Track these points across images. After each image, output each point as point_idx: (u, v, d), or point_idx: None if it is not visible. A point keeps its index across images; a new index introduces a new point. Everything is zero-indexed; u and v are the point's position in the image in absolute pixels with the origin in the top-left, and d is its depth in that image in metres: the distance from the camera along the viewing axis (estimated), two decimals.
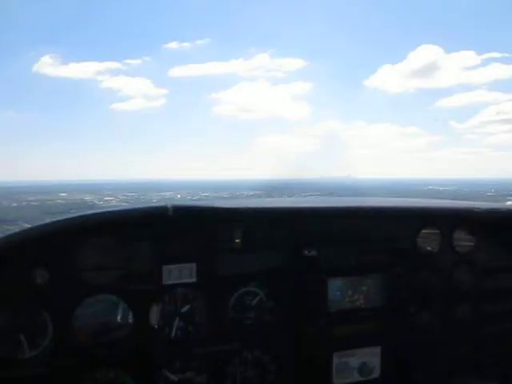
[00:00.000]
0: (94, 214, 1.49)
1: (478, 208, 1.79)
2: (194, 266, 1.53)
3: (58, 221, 1.45)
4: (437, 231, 1.79)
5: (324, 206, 1.72)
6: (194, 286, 1.55)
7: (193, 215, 1.55)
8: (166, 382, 1.53)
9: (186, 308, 1.55)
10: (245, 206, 1.60)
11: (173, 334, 1.54)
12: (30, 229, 1.42)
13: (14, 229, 1.48)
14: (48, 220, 1.48)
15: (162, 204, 1.50)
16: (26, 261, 1.40)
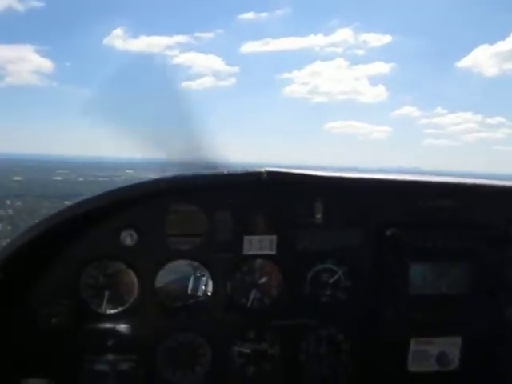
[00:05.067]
0: (184, 176, 1.49)
1: None
2: (274, 238, 1.52)
3: (148, 182, 1.45)
4: None
5: (415, 180, 1.59)
6: (273, 259, 1.54)
7: (287, 181, 1.51)
8: (239, 352, 1.56)
9: (263, 279, 1.55)
10: (337, 175, 1.53)
11: (249, 304, 1.55)
12: (119, 190, 1.42)
13: None
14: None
15: (256, 169, 1.47)
16: (117, 222, 1.46)
